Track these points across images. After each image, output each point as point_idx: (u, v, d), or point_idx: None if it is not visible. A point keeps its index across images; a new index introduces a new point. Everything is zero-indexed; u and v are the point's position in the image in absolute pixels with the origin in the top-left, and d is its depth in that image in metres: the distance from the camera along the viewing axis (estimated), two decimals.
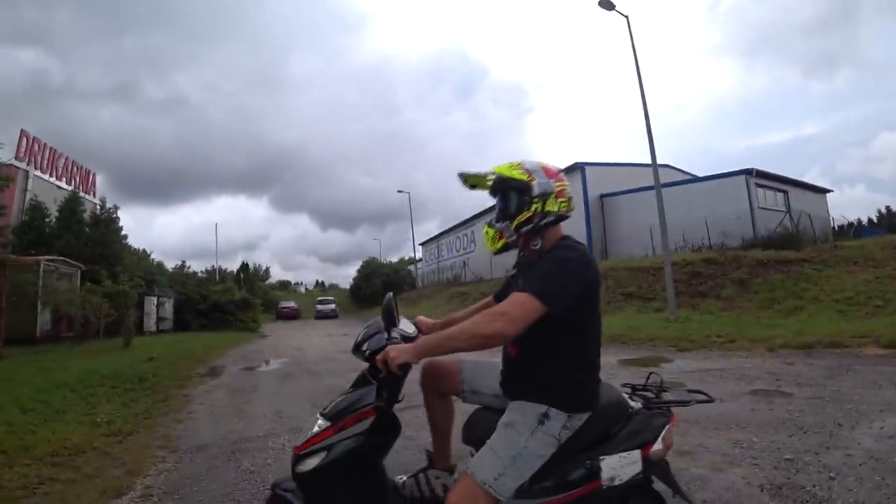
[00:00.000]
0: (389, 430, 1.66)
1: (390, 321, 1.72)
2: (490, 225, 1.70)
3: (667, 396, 1.76)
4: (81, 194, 19.85)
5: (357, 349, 1.68)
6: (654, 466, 1.61)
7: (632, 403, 1.71)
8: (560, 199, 1.61)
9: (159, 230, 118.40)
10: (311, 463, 1.55)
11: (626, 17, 12.60)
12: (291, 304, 37.78)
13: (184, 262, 40.15)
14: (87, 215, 17.98)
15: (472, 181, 1.72)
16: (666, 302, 11.87)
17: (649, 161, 12.80)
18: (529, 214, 1.59)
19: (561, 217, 1.63)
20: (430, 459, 2.00)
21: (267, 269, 60.95)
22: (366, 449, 1.57)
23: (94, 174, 24.82)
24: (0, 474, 3.04)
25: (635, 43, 12.56)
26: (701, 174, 23.75)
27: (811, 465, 2.90)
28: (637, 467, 1.55)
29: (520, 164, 1.65)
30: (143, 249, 26.57)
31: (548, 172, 1.63)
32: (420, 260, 45.52)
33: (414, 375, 1.71)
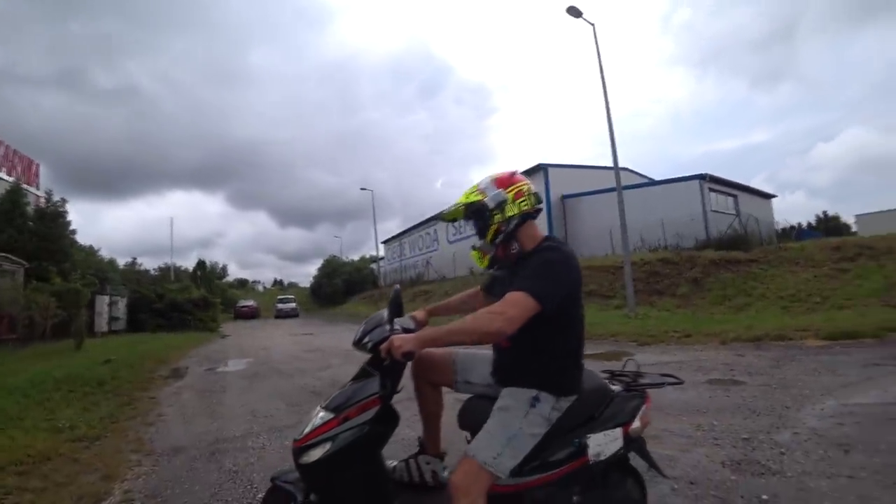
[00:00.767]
0: (389, 420, 1.74)
1: (396, 312, 1.81)
2: (474, 248, 1.83)
3: (642, 380, 1.95)
4: (24, 186, 18.58)
5: (359, 343, 1.75)
6: (634, 443, 1.80)
7: (612, 387, 1.88)
8: (519, 201, 1.73)
9: (108, 225, 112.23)
10: (316, 454, 1.60)
11: (593, 25, 13.06)
12: (250, 302, 36.71)
13: (135, 259, 38.17)
14: (30, 208, 16.90)
15: (450, 216, 1.84)
16: (626, 299, 12.39)
17: (610, 164, 13.31)
18: (495, 226, 1.72)
19: (526, 215, 1.75)
20: (421, 446, 2.10)
21: (224, 267, 58.85)
22: (370, 438, 1.64)
23: (37, 164, 23.23)
24: None
25: (600, 50, 13.04)
26: (658, 178, 24.79)
27: (765, 443, 3.22)
28: (619, 443, 1.73)
29: (476, 186, 1.79)
30: (91, 245, 25.04)
31: (498, 183, 1.76)
32: (382, 258, 45.27)
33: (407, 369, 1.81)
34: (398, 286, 1.95)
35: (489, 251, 1.76)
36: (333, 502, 1.67)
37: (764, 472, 2.74)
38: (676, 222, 17.77)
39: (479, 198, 1.73)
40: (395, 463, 2.02)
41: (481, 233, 1.77)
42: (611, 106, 12.91)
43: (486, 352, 1.97)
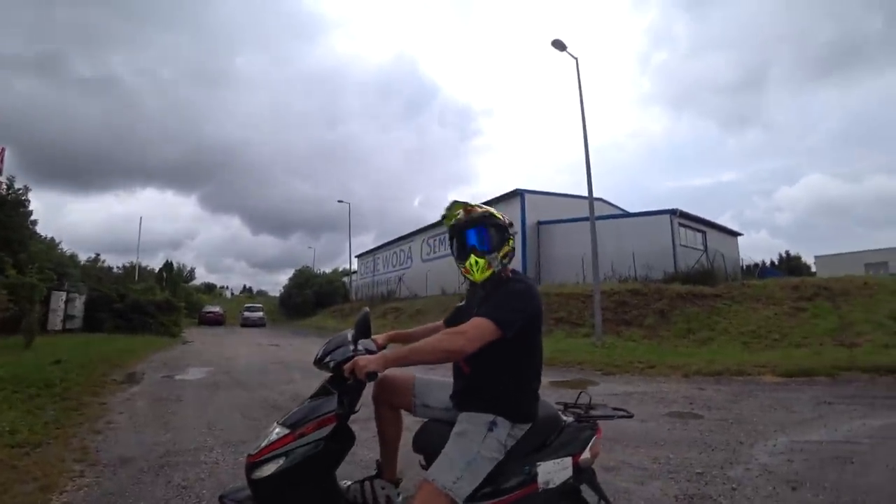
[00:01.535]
0: (345, 439, 1.73)
1: (363, 334, 1.82)
2: (480, 255, 1.79)
3: (594, 413, 2.01)
4: None
5: (320, 362, 1.76)
6: (583, 473, 1.83)
7: (564, 418, 1.93)
8: (509, 248, 1.86)
9: (71, 218, 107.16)
10: (269, 469, 1.58)
11: (576, 58, 13.50)
12: (216, 308, 35.53)
13: (98, 255, 36.72)
14: None
15: (458, 207, 1.87)
16: (594, 328, 12.57)
17: (586, 194, 13.63)
18: (508, 249, 1.83)
19: (507, 256, 1.86)
20: (378, 469, 2.08)
21: (192, 270, 57.43)
22: (324, 455, 1.63)
23: (2, 149, 22.27)
24: None
25: (582, 83, 13.47)
26: (631, 210, 25.50)
27: (718, 478, 3.28)
28: (568, 472, 1.76)
29: (491, 208, 1.90)
30: (52, 238, 23.99)
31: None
32: (355, 272, 44.84)
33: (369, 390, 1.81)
34: (367, 309, 1.95)
35: (497, 266, 1.80)
36: None
37: None
38: (647, 254, 18.22)
39: (503, 219, 1.86)
40: (348, 483, 1.99)
41: (494, 245, 1.80)
42: (589, 137, 13.30)
43: (445, 379, 2.01)
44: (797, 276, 18.34)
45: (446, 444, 1.67)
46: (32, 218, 18.15)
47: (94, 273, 24.78)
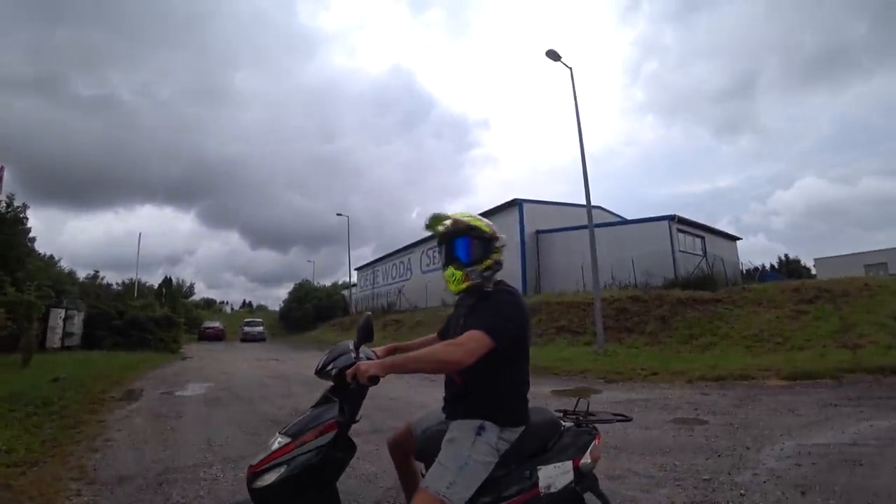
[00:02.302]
0: (346, 448, 1.73)
1: (366, 338, 1.82)
2: (457, 267, 1.84)
3: (593, 417, 2.03)
4: None
5: (322, 371, 1.76)
6: (585, 477, 1.83)
7: (564, 423, 1.95)
8: (502, 251, 1.90)
9: (70, 235, 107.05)
10: (270, 478, 1.57)
11: (570, 68, 13.62)
12: (216, 324, 35.32)
13: (97, 272, 36.52)
14: None
15: (435, 221, 1.94)
16: (595, 336, 12.50)
17: (584, 202, 13.66)
18: (491, 262, 1.84)
19: (501, 266, 1.91)
20: None
21: (191, 286, 57.08)
22: (325, 463, 1.62)
23: (1, 167, 22.29)
24: None
25: (577, 92, 13.57)
26: (629, 217, 25.52)
27: (725, 484, 3.23)
28: (569, 476, 1.77)
29: (478, 218, 1.91)
30: (51, 255, 23.88)
31: (497, 231, 1.91)
32: (355, 285, 44.72)
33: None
34: (369, 313, 1.96)
35: (476, 279, 1.83)
36: None
37: None
38: (646, 261, 18.19)
39: (490, 231, 1.87)
40: None
41: (475, 258, 1.83)
42: (585, 146, 13.37)
43: (438, 405, 2.03)
44: (797, 279, 18.32)
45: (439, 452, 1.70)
46: (31, 235, 18.17)
47: (92, 290, 24.66)
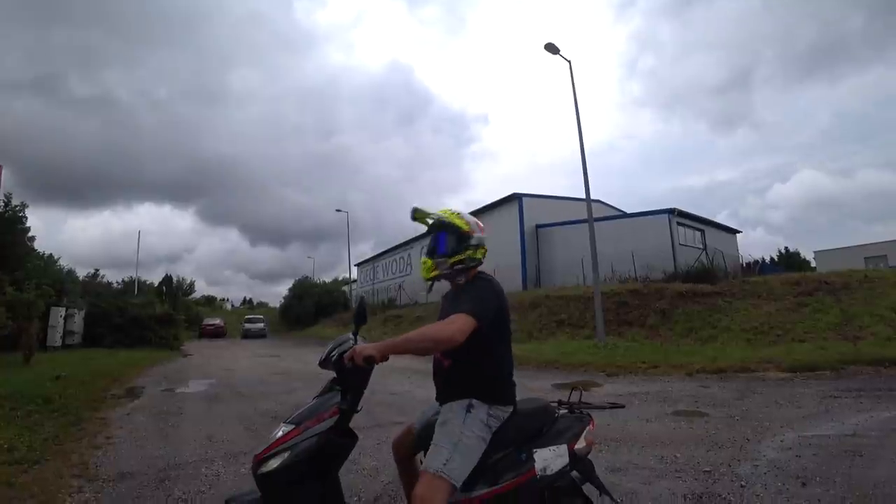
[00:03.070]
0: (348, 436, 1.78)
1: (361, 319, 1.89)
2: (430, 256, 1.97)
3: (586, 404, 2.10)
4: None
5: (325, 361, 1.80)
6: (580, 462, 1.88)
7: (559, 411, 2.02)
8: (483, 249, 2.00)
9: (70, 234, 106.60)
10: (274, 463, 1.62)
11: (569, 61, 13.55)
12: (217, 321, 35.30)
13: (97, 270, 36.44)
14: None
15: (419, 215, 2.03)
16: (595, 329, 12.53)
17: (583, 196, 13.63)
18: (463, 257, 1.93)
19: (480, 262, 2.00)
20: None
21: (191, 283, 56.97)
22: (327, 448, 1.67)
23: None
24: None
25: (576, 86, 13.52)
26: (629, 211, 25.50)
27: (725, 475, 3.24)
28: (565, 460, 1.81)
29: (460, 214, 2.01)
30: (50, 254, 23.78)
31: (479, 228, 2.01)
32: (355, 281, 44.74)
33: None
34: (363, 296, 2.01)
35: (444, 270, 1.94)
36: None
37: None
38: (646, 254, 18.20)
39: (466, 228, 1.95)
40: None
41: (446, 252, 1.94)
42: (584, 140, 13.33)
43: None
44: (797, 272, 18.32)
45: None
46: (30, 234, 18.08)
47: (93, 288, 24.63)
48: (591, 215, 13.30)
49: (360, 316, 1.90)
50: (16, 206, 16.95)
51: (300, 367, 11.34)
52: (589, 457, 1.93)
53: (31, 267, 16.66)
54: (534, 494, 1.75)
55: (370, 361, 1.63)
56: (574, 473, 1.85)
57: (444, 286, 2.10)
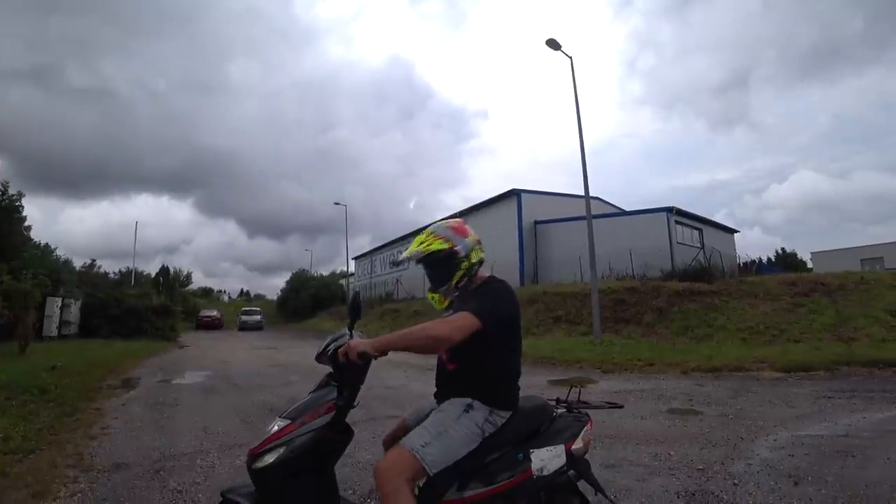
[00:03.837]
0: (344, 432, 1.76)
1: (355, 313, 1.85)
2: (433, 291, 1.92)
3: (584, 403, 2.08)
4: None
5: (321, 355, 1.78)
6: (577, 462, 1.86)
7: (556, 410, 1.99)
8: (476, 251, 1.89)
9: (67, 225, 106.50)
10: (269, 459, 1.61)
11: (570, 57, 13.50)
12: (214, 312, 35.24)
13: (93, 260, 36.29)
14: None
15: (405, 257, 1.93)
16: (592, 326, 12.55)
17: (582, 193, 13.63)
18: (462, 272, 1.85)
19: (481, 261, 1.91)
20: None
21: (188, 275, 56.56)
22: (323, 444, 1.66)
23: None
24: None
25: (576, 82, 13.47)
26: (628, 209, 25.50)
27: (719, 473, 3.26)
28: (562, 460, 1.79)
29: (433, 233, 1.88)
30: (47, 244, 23.66)
31: (460, 232, 1.88)
32: (352, 274, 44.74)
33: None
34: (357, 290, 1.99)
35: (452, 295, 1.88)
36: None
37: None
38: (644, 252, 18.21)
39: (446, 246, 1.83)
40: None
41: (444, 278, 1.87)
42: (584, 136, 13.31)
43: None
44: (794, 272, 18.38)
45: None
46: (26, 224, 17.99)
47: (89, 279, 24.62)
48: (590, 212, 13.29)
49: (355, 311, 1.87)
50: (12, 196, 16.85)
51: (297, 360, 11.35)
52: (585, 456, 1.93)
53: (28, 257, 16.59)
54: (530, 494, 1.75)
55: (364, 357, 1.60)
56: (570, 472, 1.84)
57: None
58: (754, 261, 25.23)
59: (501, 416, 1.77)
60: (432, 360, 2.01)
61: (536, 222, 23.74)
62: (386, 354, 1.65)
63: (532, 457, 1.73)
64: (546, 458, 1.75)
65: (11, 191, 16.96)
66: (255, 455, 1.64)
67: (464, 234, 1.89)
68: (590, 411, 2.04)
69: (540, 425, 1.85)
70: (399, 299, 29.35)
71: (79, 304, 17.46)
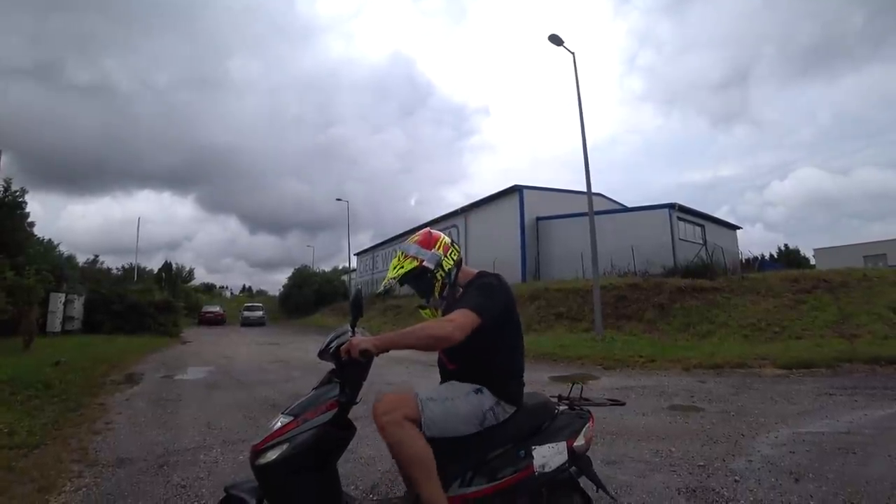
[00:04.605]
0: (346, 428, 1.78)
1: (357, 311, 1.86)
2: (423, 307, 1.98)
3: (586, 401, 2.10)
4: None
5: (324, 352, 1.79)
6: (579, 459, 1.87)
7: (558, 407, 2.01)
8: (450, 253, 1.90)
9: (69, 221, 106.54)
10: (272, 455, 1.62)
11: (573, 53, 13.44)
12: (216, 308, 35.38)
13: (96, 256, 36.54)
14: None
15: (395, 280, 1.92)
16: (593, 323, 12.56)
17: (584, 189, 13.60)
18: (439, 283, 1.88)
19: (458, 262, 1.94)
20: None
21: (191, 271, 56.75)
22: (325, 440, 1.67)
23: None
24: None
25: (579, 78, 13.42)
26: (630, 205, 25.43)
27: (720, 470, 3.27)
28: (563, 457, 1.81)
29: (403, 253, 1.91)
30: (50, 240, 23.74)
31: (425, 244, 1.89)
32: (354, 270, 44.81)
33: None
34: (359, 288, 2.00)
35: (440, 305, 1.91)
36: None
37: (717, 500, 2.78)
38: (646, 249, 18.18)
39: (416, 263, 1.85)
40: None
41: (427, 292, 1.90)
42: (587, 133, 13.26)
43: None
44: (796, 269, 18.33)
45: None
46: (30, 220, 18.05)
47: (92, 275, 24.69)
48: (592, 208, 13.27)
49: (357, 308, 1.88)
50: (15, 192, 16.91)
51: (299, 356, 11.39)
52: (587, 453, 1.94)
53: (32, 252, 16.66)
54: (532, 491, 1.76)
55: (366, 355, 1.62)
56: (571, 468, 1.86)
57: None
58: (756, 257, 25.16)
59: (506, 410, 1.79)
60: (434, 356, 2.02)
61: (538, 219, 23.70)
62: (387, 352, 1.67)
63: (534, 454, 1.75)
64: (548, 455, 1.77)
65: (14, 187, 17.03)
66: (258, 451, 1.65)
67: (430, 245, 1.88)
68: (591, 408, 2.05)
69: (542, 422, 1.86)
70: (401, 295, 29.35)
71: (82, 299, 17.54)
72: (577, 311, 14.71)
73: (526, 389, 1.93)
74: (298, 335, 20.96)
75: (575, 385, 2.23)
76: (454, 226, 28.41)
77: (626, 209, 23.98)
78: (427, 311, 1.96)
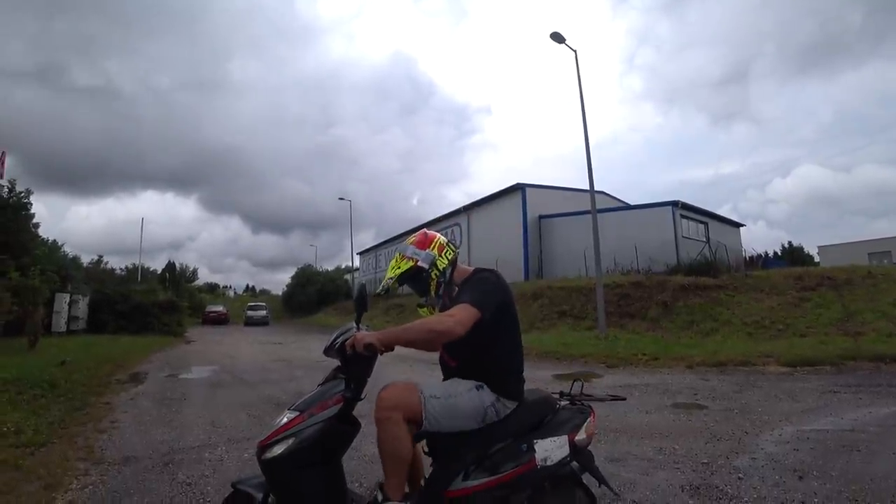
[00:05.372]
0: (351, 424, 1.80)
1: (362, 306, 1.89)
2: (421, 306, 2.00)
3: (587, 396, 2.11)
4: None
5: (329, 348, 1.81)
6: (581, 453, 1.88)
7: (560, 402, 2.03)
8: (444, 253, 1.94)
9: (74, 222, 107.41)
10: (278, 450, 1.65)
11: (575, 51, 13.41)
12: (220, 308, 35.52)
13: (101, 257, 36.56)
14: None
15: (392, 283, 1.97)
16: (596, 321, 12.54)
17: (587, 187, 13.57)
18: (434, 282, 1.92)
19: (454, 261, 1.97)
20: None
21: (194, 271, 57.23)
22: (331, 435, 1.69)
23: (3, 152, 22.14)
24: None
25: (581, 76, 13.39)
26: (633, 203, 25.35)
27: (723, 467, 3.27)
28: (565, 451, 1.81)
29: (400, 254, 1.96)
30: (54, 240, 23.84)
31: (421, 244, 1.94)
32: (357, 269, 44.90)
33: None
34: (363, 283, 2.02)
35: (437, 303, 1.94)
36: (292, 502, 1.69)
37: (721, 497, 2.78)
38: (649, 247, 18.13)
39: (411, 264, 1.90)
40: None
41: (424, 291, 1.94)
42: (589, 131, 13.24)
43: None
44: (800, 267, 18.25)
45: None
46: (34, 221, 18.10)
47: (96, 275, 24.76)
48: (595, 206, 13.25)
49: (361, 303, 1.89)
50: (20, 193, 16.92)
51: (302, 355, 11.43)
52: (588, 447, 1.95)
53: (37, 253, 16.72)
54: (534, 484, 1.77)
55: (371, 349, 1.64)
56: (574, 464, 1.87)
57: None
58: (760, 255, 25.02)
59: (507, 406, 1.81)
60: (436, 356, 2.04)
61: (541, 217, 23.67)
62: (392, 349, 1.70)
63: (536, 447, 1.76)
64: (549, 449, 1.78)
65: (19, 188, 17.07)
66: (264, 446, 1.68)
67: (425, 245, 1.94)
68: (593, 404, 2.06)
69: (543, 417, 1.88)
70: (404, 294, 29.37)
71: (87, 300, 17.62)
72: (580, 309, 14.69)
73: (528, 387, 1.94)
74: (302, 334, 21.02)
75: (576, 382, 2.24)
76: (456, 224, 28.42)
77: (628, 207, 23.91)
78: (425, 309, 1.98)
